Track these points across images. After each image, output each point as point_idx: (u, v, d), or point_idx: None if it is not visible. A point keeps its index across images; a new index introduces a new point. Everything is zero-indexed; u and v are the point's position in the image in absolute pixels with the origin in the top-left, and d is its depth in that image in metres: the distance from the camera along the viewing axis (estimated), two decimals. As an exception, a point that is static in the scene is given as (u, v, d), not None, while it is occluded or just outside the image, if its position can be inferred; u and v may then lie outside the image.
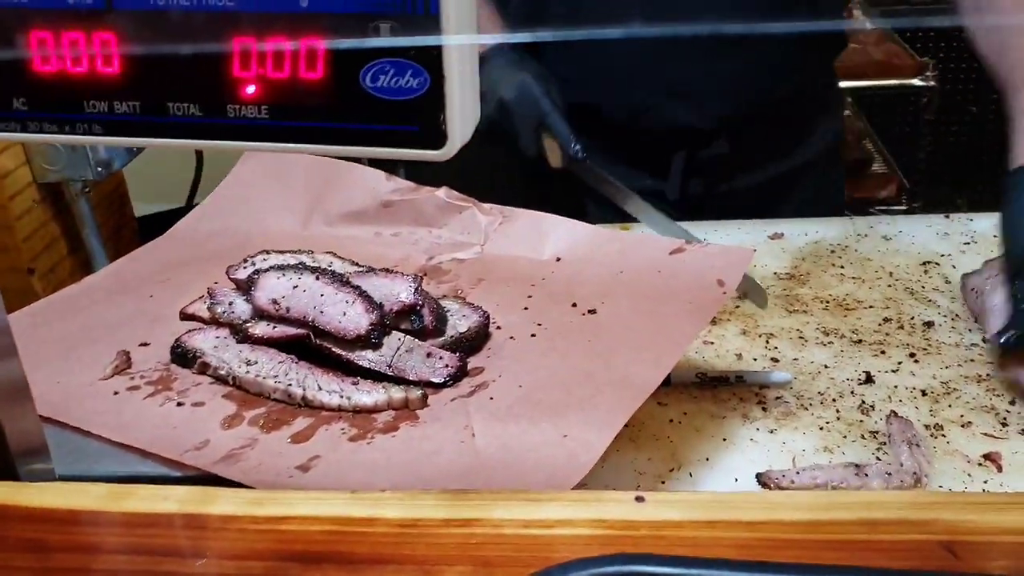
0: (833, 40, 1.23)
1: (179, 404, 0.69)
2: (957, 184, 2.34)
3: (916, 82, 2.21)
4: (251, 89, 0.43)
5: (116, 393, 0.71)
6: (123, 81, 0.44)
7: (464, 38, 0.40)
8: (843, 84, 1.58)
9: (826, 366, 0.86)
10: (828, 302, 0.98)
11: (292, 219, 0.96)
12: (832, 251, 1.07)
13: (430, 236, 0.92)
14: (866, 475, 0.69)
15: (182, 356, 0.73)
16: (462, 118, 0.42)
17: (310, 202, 0.97)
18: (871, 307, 0.95)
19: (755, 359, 0.88)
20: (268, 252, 0.82)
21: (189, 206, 1.19)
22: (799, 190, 1.25)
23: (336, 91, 0.42)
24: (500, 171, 0.94)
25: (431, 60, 0.40)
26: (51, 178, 1.05)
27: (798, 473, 0.70)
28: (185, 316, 0.80)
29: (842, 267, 1.04)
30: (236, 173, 1.01)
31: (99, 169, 1.04)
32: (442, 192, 0.93)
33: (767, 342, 0.90)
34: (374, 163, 0.98)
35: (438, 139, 0.42)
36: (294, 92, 0.42)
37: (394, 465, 0.61)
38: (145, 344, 0.77)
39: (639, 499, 0.45)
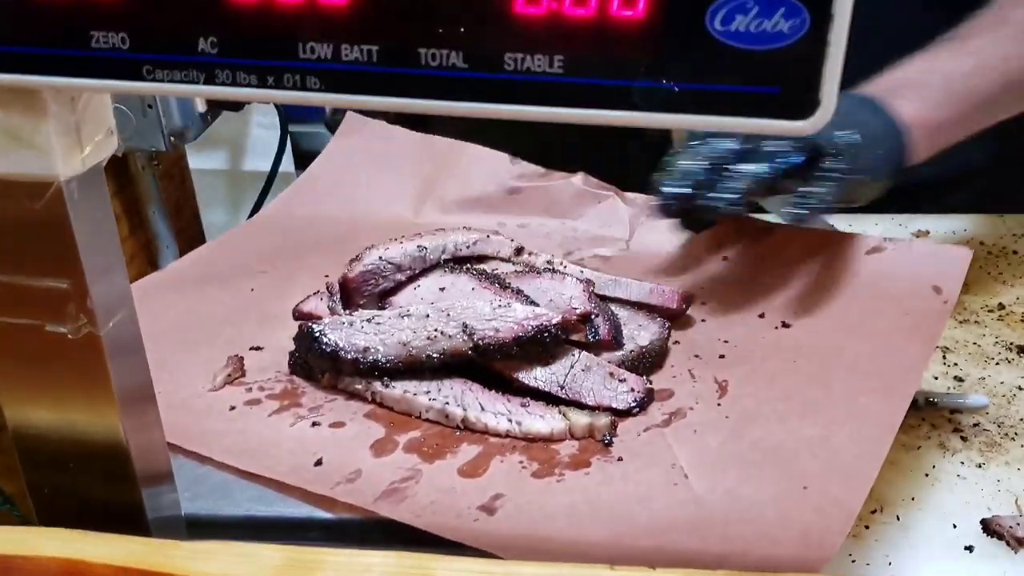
0: None
1: (314, 424, 0.58)
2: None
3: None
4: (540, 33, 0.31)
5: (233, 408, 0.60)
6: (355, 17, 0.32)
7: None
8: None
9: (1020, 388, 0.75)
10: (1000, 311, 0.86)
11: (401, 205, 0.84)
12: (989, 253, 0.96)
13: (564, 228, 0.80)
14: (1119, 525, 0.58)
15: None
16: (836, 78, 0.30)
17: (420, 186, 0.85)
18: (1053, 319, 0.84)
19: (936, 377, 0.76)
20: (401, 241, 0.69)
21: (268, 186, 1.07)
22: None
23: (668, 38, 0.30)
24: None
25: (816, -6, 0.29)
26: (117, 148, 0.92)
27: (1034, 521, 0.59)
28: (301, 316, 0.68)
29: (1002, 271, 0.93)
30: (331, 151, 0.89)
31: (171, 139, 0.92)
32: (578, 179, 0.81)
33: (944, 357, 0.79)
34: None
35: (807, 105, 0.30)
36: (603, 39, 0.31)
37: (600, 511, 0.50)
38: (257, 348, 0.66)
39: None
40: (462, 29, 0.31)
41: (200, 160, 1.15)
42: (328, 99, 0.33)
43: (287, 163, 1.13)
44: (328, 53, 0.33)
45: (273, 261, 0.78)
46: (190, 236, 1.15)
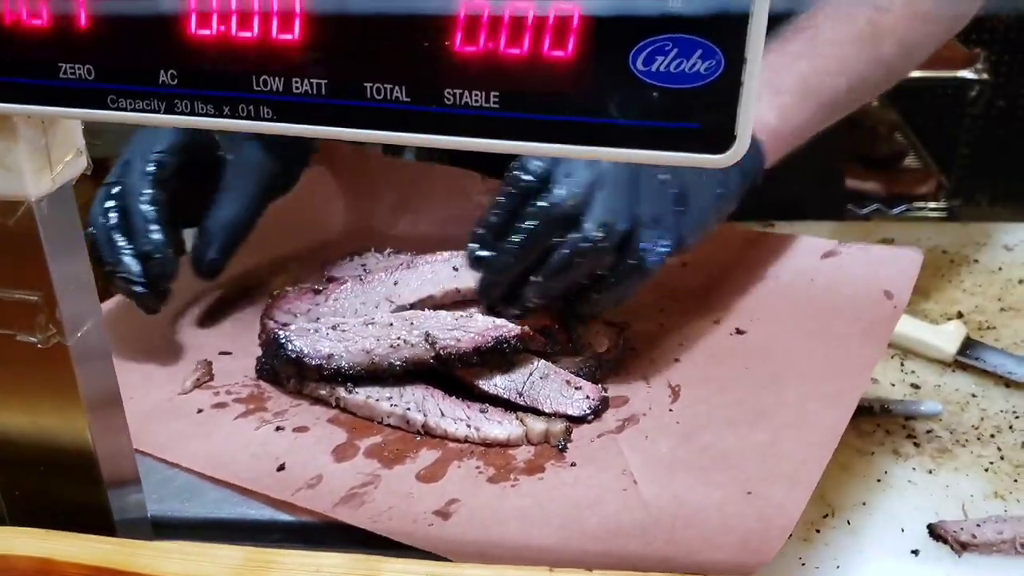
0: None
1: (278, 429, 0.60)
2: (1002, 187, 2.25)
3: (966, 74, 2.10)
4: (477, 69, 0.33)
5: (200, 411, 0.62)
6: (305, 53, 0.34)
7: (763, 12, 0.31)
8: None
9: (974, 395, 0.77)
10: (959, 320, 0.89)
11: (374, 220, 0.86)
12: (952, 261, 0.98)
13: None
14: (1058, 531, 0.60)
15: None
16: (749, 114, 0.32)
17: (393, 202, 0.87)
18: (1008, 327, 0.86)
19: (893, 384, 0.78)
20: (378, 252, 0.71)
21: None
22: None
23: (595, 77, 0.32)
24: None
25: (730, 37, 0.31)
26: (94, 152, 0.94)
27: (978, 526, 0.61)
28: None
29: (963, 279, 0.95)
30: (311, 172, 0.91)
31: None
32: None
33: (902, 364, 0.81)
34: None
35: (724, 140, 0.32)
36: (536, 76, 0.33)
37: (551, 516, 0.52)
38: (227, 353, 0.68)
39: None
40: (405, 66, 0.34)
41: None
42: (280, 128, 0.35)
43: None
44: (280, 86, 0.35)
45: (247, 266, 0.80)
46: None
